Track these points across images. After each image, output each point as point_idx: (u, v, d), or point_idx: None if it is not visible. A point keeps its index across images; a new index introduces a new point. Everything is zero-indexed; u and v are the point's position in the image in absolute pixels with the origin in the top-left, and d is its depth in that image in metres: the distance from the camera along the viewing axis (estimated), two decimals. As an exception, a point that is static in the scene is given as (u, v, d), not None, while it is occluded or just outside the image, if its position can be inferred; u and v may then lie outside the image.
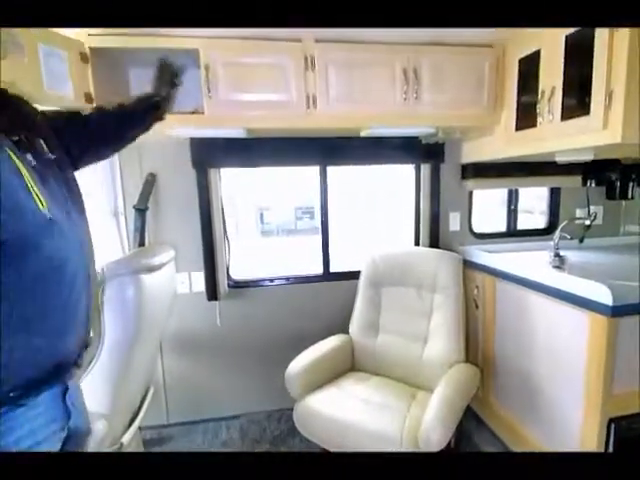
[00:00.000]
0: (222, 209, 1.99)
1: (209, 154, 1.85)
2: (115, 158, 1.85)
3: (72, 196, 0.83)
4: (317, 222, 2.22)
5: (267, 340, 2.14)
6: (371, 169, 2.27)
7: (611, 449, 1.37)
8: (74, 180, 0.88)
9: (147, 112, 1.19)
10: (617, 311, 1.26)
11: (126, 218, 1.88)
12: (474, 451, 1.33)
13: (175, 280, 1.76)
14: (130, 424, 1.45)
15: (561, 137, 1.44)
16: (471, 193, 2.28)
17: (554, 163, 1.95)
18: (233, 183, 2.62)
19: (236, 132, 1.68)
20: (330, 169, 2.09)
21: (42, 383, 0.72)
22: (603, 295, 1.27)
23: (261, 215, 9.22)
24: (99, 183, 1.81)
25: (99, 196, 1.82)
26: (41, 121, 0.86)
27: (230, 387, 2.15)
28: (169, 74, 1.26)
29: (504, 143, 1.75)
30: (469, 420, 2.04)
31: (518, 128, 1.65)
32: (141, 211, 1.79)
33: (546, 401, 1.59)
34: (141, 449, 1.72)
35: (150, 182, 1.85)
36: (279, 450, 1.86)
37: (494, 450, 1.82)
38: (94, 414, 1.18)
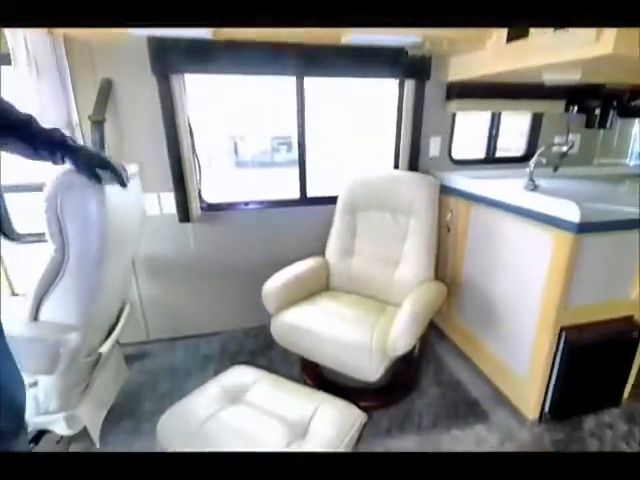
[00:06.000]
0: (189, 124, 1.84)
1: (170, 58, 1.64)
2: (64, 63, 1.63)
3: None
4: (294, 155, 2.10)
5: (243, 263, 2.15)
6: (352, 86, 2.10)
7: (559, 358, 1.51)
8: None
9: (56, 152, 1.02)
10: (583, 229, 1.31)
11: (82, 131, 1.71)
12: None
13: (141, 195, 1.65)
14: (107, 337, 1.46)
15: (552, 51, 1.36)
16: (454, 116, 2.20)
17: (539, 87, 1.89)
18: (202, 104, 2.41)
19: (200, 32, 1.48)
20: (308, 83, 1.93)
21: None
22: (571, 212, 1.31)
23: (235, 145, 8.75)
24: (48, 93, 1.59)
25: (51, 108, 1.61)
26: None
27: (207, 307, 2.20)
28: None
29: (493, 57, 1.65)
30: (433, 333, 2.23)
31: (509, 39, 1.55)
32: (98, 123, 1.62)
33: (504, 314, 1.72)
34: (122, 362, 1.78)
35: (105, 89, 1.66)
36: (257, 362, 1.97)
37: (453, 358, 2.01)
38: (66, 326, 1.18)
